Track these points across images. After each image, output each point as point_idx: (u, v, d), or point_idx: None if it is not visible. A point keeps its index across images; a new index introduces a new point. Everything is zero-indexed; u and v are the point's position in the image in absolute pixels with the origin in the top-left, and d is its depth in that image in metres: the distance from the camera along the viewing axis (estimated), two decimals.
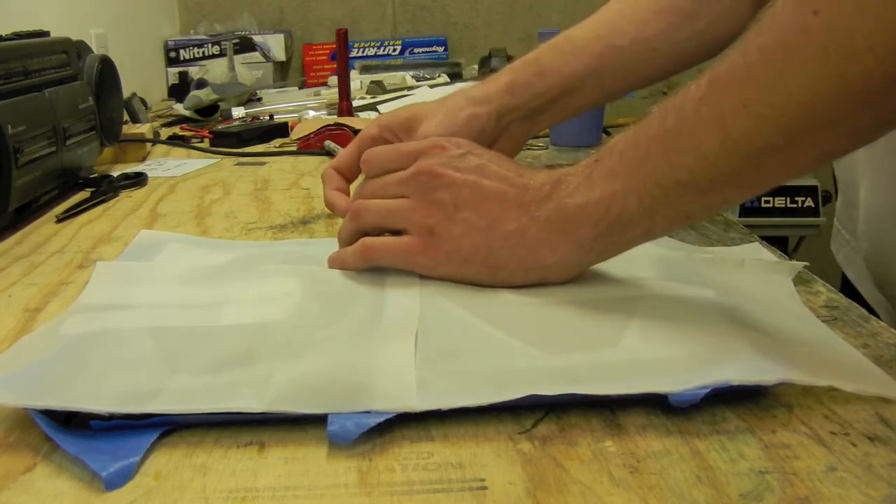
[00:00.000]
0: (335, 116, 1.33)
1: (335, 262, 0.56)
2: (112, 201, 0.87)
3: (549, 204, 0.48)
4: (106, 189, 0.89)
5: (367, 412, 0.38)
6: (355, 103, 1.42)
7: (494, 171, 0.51)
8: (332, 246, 0.65)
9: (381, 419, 0.37)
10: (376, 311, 0.48)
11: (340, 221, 0.74)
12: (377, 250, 0.53)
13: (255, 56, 2.04)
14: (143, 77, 1.84)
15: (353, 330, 0.46)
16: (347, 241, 0.56)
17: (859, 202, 0.72)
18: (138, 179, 0.94)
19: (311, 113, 1.44)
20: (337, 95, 1.36)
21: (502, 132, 0.65)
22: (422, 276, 0.53)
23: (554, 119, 0.67)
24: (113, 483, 0.34)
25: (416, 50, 2.23)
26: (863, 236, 0.73)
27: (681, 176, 0.43)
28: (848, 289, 0.77)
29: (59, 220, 0.79)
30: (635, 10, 0.67)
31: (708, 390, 0.38)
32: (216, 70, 1.69)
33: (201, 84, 1.52)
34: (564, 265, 0.49)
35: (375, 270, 0.55)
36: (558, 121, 0.68)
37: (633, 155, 0.45)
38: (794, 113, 0.38)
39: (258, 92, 1.72)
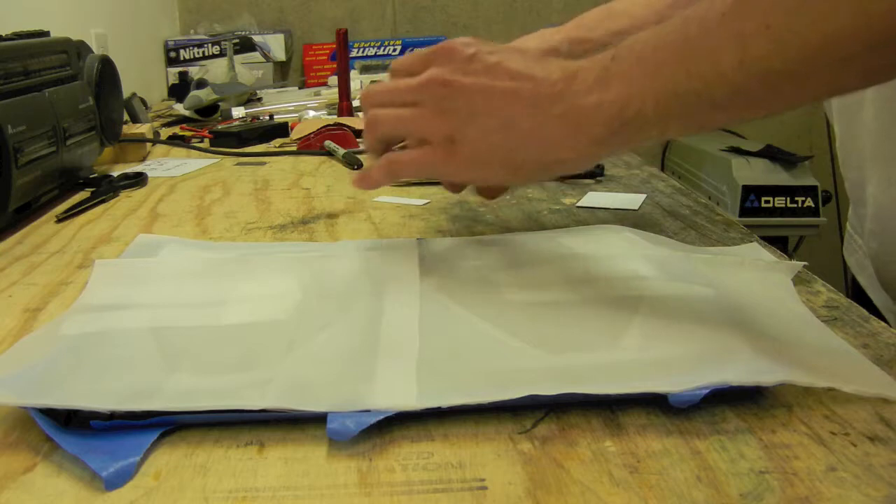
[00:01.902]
0: (335, 116, 1.33)
1: (362, 181, 0.57)
2: (112, 201, 0.87)
3: (563, 101, 0.48)
4: (106, 189, 0.89)
5: (367, 411, 0.38)
6: (355, 103, 1.42)
7: (505, 70, 0.51)
8: (332, 249, 0.65)
9: (381, 417, 0.37)
10: (377, 310, 0.48)
11: (341, 222, 0.75)
12: (401, 164, 0.55)
13: (255, 56, 2.04)
14: (143, 77, 1.84)
15: (354, 329, 0.46)
16: (371, 153, 0.58)
17: (867, 199, 0.72)
18: (138, 179, 0.94)
19: (311, 113, 1.44)
20: (337, 95, 1.36)
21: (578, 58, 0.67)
22: (422, 274, 0.53)
23: None
24: (113, 483, 0.34)
25: (416, 50, 2.23)
26: (870, 235, 0.73)
27: (697, 87, 0.43)
28: (859, 296, 0.77)
29: (59, 220, 0.79)
30: None
31: (708, 391, 0.38)
32: (216, 70, 1.69)
33: (201, 84, 1.52)
34: (579, 160, 0.50)
35: (375, 268, 0.55)
36: None
37: (652, 59, 0.45)
38: (815, 41, 0.39)
39: (258, 92, 1.72)
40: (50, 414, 0.38)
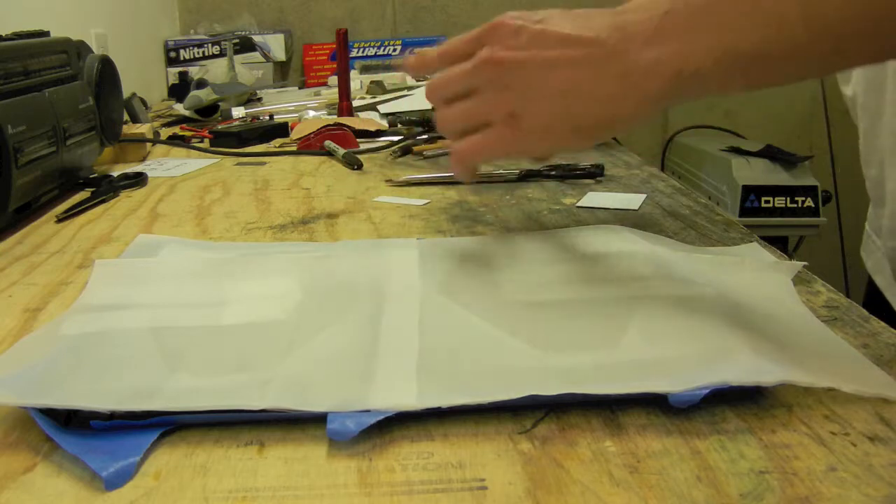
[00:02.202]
0: (335, 116, 1.33)
1: (461, 175, 0.58)
2: (112, 201, 0.87)
3: (618, 59, 0.48)
4: (106, 189, 0.89)
5: (367, 411, 0.38)
6: (355, 103, 1.42)
7: (554, 37, 0.51)
8: (332, 249, 0.65)
9: (381, 417, 0.37)
10: (376, 310, 0.48)
11: (341, 222, 0.75)
12: (470, 152, 0.55)
13: (255, 56, 2.04)
14: (143, 77, 1.84)
15: (354, 329, 0.46)
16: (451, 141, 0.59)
17: (886, 197, 0.71)
18: (138, 179, 0.94)
19: (311, 113, 1.44)
20: (337, 95, 1.36)
21: None
22: (422, 274, 0.53)
23: None
24: (113, 483, 0.34)
25: (416, 50, 2.23)
26: (889, 234, 0.72)
27: (759, 44, 0.42)
28: (876, 298, 0.77)
29: (59, 220, 0.79)
30: None
31: (708, 391, 0.38)
32: (216, 70, 1.69)
33: (201, 84, 1.52)
34: (638, 116, 0.50)
35: (375, 269, 0.55)
36: None
37: (710, 14, 0.45)
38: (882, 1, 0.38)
39: (258, 92, 1.72)
40: (50, 414, 0.38)
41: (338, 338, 0.45)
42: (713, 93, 0.47)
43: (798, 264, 0.56)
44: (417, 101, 1.46)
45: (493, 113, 0.53)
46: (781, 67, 0.43)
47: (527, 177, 0.88)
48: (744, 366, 0.39)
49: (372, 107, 1.45)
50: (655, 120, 2.60)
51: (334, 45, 1.32)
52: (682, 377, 0.39)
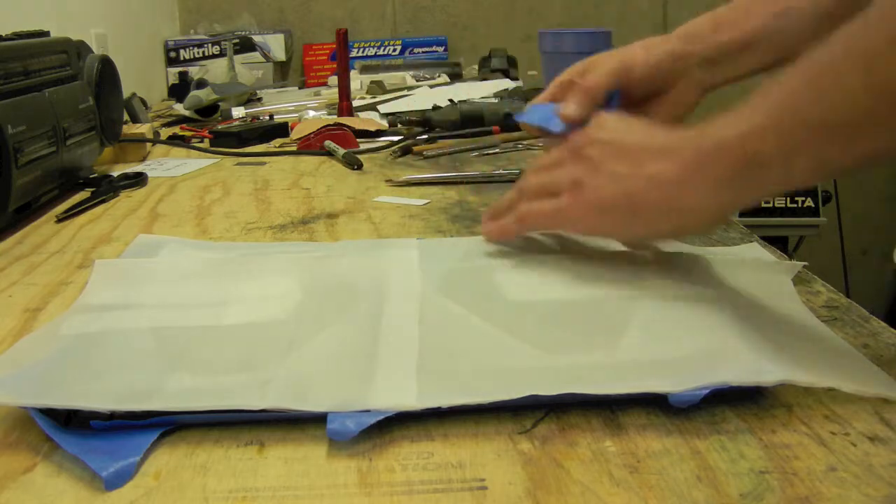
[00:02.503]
0: (335, 116, 1.33)
1: (495, 231, 0.58)
2: (112, 201, 0.87)
3: (690, 145, 0.47)
4: (106, 189, 0.89)
5: (367, 411, 0.38)
6: (355, 103, 1.42)
7: (641, 129, 0.52)
8: (332, 249, 0.65)
9: (381, 417, 0.37)
10: (376, 310, 0.48)
11: (341, 222, 0.75)
12: (532, 215, 0.55)
13: (255, 56, 2.04)
14: (143, 77, 1.84)
15: (354, 329, 0.46)
16: (504, 211, 0.59)
17: None
18: (138, 179, 0.94)
19: (311, 113, 1.44)
20: (337, 95, 1.36)
21: (681, 75, 0.66)
22: (422, 274, 0.53)
23: (735, 74, 0.67)
24: (113, 483, 0.34)
25: (416, 50, 2.23)
26: None
27: (824, 115, 0.41)
28: None
29: (59, 220, 0.79)
30: None
31: (707, 391, 0.38)
32: (216, 70, 1.69)
33: (201, 84, 1.52)
34: (700, 207, 0.47)
35: (375, 269, 0.55)
36: (740, 78, 0.67)
37: (777, 92, 0.43)
38: None
39: (258, 92, 1.72)
40: (50, 414, 0.38)
41: (337, 338, 0.45)
42: (779, 183, 0.44)
43: (798, 264, 0.56)
44: (417, 101, 1.46)
45: (564, 179, 0.53)
46: (849, 141, 0.41)
47: None
48: (744, 366, 0.39)
49: (372, 107, 1.45)
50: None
51: (334, 45, 1.32)
52: (682, 377, 0.39)
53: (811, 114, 0.41)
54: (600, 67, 0.65)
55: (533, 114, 0.69)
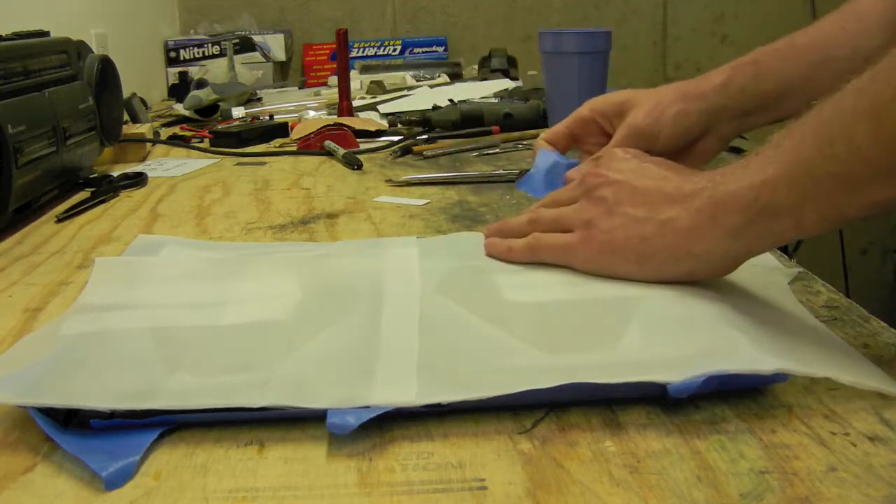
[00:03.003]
0: (335, 116, 1.33)
1: (502, 249, 0.57)
2: (112, 201, 0.87)
3: (703, 193, 0.48)
4: (106, 189, 0.89)
5: (367, 407, 0.38)
6: (355, 103, 1.42)
7: (655, 172, 0.52)
8: (332, 248, 0.65)
9: (381, 412, 0.37)
10: (376, 310, 0.48)
11: (341, 222, 0.75)
12: (542, 246, 0.55)
13: (255, 56, 2.03)
14: (143, 77, 1.84)
15: (354, 328, 0.46)
16: (517, 233, 0.58)
17: None
18: (138, 179, 0.94)
19: (311, 113, 1.44)
20: (337, 95, 1.36)
21: (710, 130, 0.66)
22: (421, 273, 0.53)
23: (763, 121, 0.67)
24: (113, 483, 0.34)
25: (416, 50, 2.23)
26: None
27: (832, 167, 0.41)
28: None
29: (59, 220, 0.79)
30: (857, 23, 0.66)
31: (705, 378, 0.38)
32: (216, 70, 1.69)
33: (201, 84, 1.52)
34: (712, 255, 0.48)
35: (375, 268, 0.55)
36: (766, 123, 0.67)
37: (788, 144, 0.44)
38: None
39: (258, 92, 1.72)
40: (50, 413, 0.38)
41: (338, 337, 0.45)
42: (790, 232, 0.45)
43: (794, 270, 0.56)
44: (417, 101, 1.46)
45: (577, 218, 0.54)
46: (857, 191, 0.41)
47: None
48: (742, 355, 0.39)
49: (372, 107, 1.45)
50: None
51: (334, 45, 1.32)
52: (680, 367, 0.39)
53: (820, 166, 0.42)
54: (625, 129, 0.65)
55: (537, 180, 0.71)
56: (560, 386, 0.38)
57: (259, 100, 1.66)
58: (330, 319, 0.47)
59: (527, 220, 0.58)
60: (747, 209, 0.45)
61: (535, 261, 0.55)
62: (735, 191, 0.46)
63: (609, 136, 0.69)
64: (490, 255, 0.58)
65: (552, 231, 0.55)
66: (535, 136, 1.13)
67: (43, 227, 0.77)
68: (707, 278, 0.49)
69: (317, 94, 1.72)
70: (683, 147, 0.66)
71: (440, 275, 0.54)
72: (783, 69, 0.65)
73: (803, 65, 0.65)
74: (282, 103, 1.57)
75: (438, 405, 0.38)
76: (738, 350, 0.40)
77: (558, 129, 0.71)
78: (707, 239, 0.47)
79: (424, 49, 2.23)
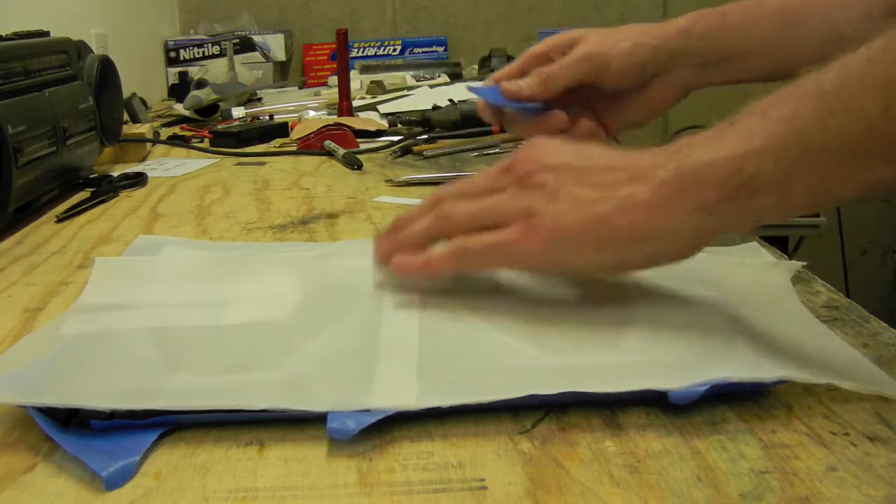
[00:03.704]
0: (335, 116, 1.33)
1: (415, 265, 0.48)
2: (112, 201, 0.87)
3: (667, 165, 0.42)
4: (106, 189, 0.89)
5: (367, 410, 0.38)
6: (355, 103, 1.42)
7: (598, 152, 0.46)
8: (332, 248, 0.65)
9: (381, 416, 0.37)
10: (376, 310, 0.48)
11: (341, 222, 0.74)
12: (471, 250, 0.46)
13: (255, 56, 2.03)
14: (143, 77, 1.84)
15: (353, 329, 0.46)
16: (420, 242, 0.49)
17: None
18: (138, 179, 0.94)
19: (311, 113, 1.44)
20: (337, 95, 1.36)
21: (665, 72, 0.62)
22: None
23: (721, 78, 0.63)
24: (113, 483, 0.34)
25: (416, 50, 2.23)
26: None
27: (832, 140, 0.38)
28: None
29: (59, 220, 0.79)
30: None
31: (707, 387, 0.38)
32: (216, 70, 1.69)
33: (201, 84, 1.52)
34: (679, 234, 0.43)
35: (369, 273, 0.55)
36: (724, 82, 0.63)
37: (777, 114, 0.40)
38: None
39: (258, 92, 1.72)
40: (50, 413, 0.38)
41: (338, 338, 0.45)
42: (772, 211, 0.41)
43: (797, 264, 0.56)
44: (417, 101, 1.46)
45: (510, 209, 0.45)
46: (857, 167, 0.38)
47: None
48: (743, 363, 0.39)
49: (372, 107, 1.45)
50: (656, 123, 2.60)
51: (334, 45, 1.32)
52: (681, 375, 0.39)
53: (816, 138, 0.38)
54: (574, 53, 0.61)
55: (486, 91, 0.67)
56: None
57: (259, 100, 1.66)
58: (330, 320, 0.47)
59: (431, 218, 0.48)
60: (725, 182, 0.40)
61: (462, 270, 0.47)
62: (710, 161, 0.41)
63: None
64: (400, 275, 0.48)
65: (472, 230, 0.46)
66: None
67: (43, 227, 0.77)
68: (670, 262, 0.44)
69: (317, 94, 1.72)
70: (636, 86, 0.62)
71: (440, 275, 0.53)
72: (749, 27, 0.62)
73: (770, 27, 0.62)
74: (282, 103, 1.57)
75: (438, 407, 0.38)
76: (740, 356, 0.40)
77: (512, 67, 0.66)
78: (674, 215, 0.42)
79: (424, 49, 2.23)
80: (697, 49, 0.62)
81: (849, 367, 0.41)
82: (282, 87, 1.98)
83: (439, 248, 0.47)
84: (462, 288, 0.51)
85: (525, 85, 0.59)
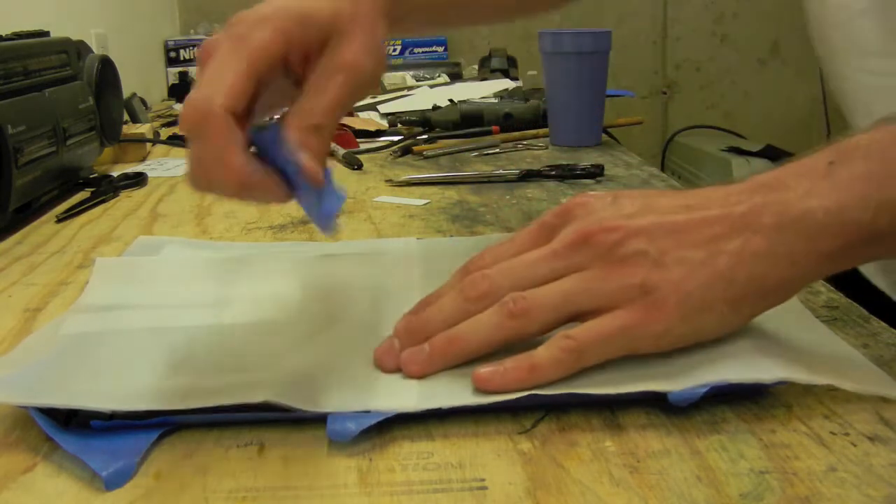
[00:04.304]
0: None
1: (519, 375, 0.39)
2: (112, 201, 0.87)
3: (769, 210, 0.39)
4: (106, 189, 0.89)
5: (367, 412, 0.38)
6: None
7: (667, 203, 0.41)
8: (332, 248, 0.65)
9: (381, 418, 0.37)
10: (376, 311, 0.48)
11: (341, 223, 0.74)
12: (590, 342, 0.39)
13: None
14: (143, 77, 1.84)
15: (354, 329, 0.46)
16: (485, 342, 0.40)
17: None
18: (138, 179, 0.94)
19: None
20: None
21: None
22: (422, 275, 0.53)
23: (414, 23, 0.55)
24: (113, 483, 0.34)
25: (416, 50, 2.23)
26: None
27: None
28: (858, 284, 0.76)
29: (59, 220, 0.79)
30: None
31: (707, 389, 0.38)
32: None
33: None
34: (803, 281, 0.40)
35: (375, 269, 0.55)
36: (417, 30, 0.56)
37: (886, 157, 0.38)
38: None
39: None
40: (50, 414, 0.38)
41: (338, 339, 0.45)
42: (883, 255, 0.40)
43: None
44: (417, 101, 1.46)
45: (615, 289, 0.39)
46: None
47: (527, 177, 0.89)
48: (743, 364, 0.39)
49: (372, 107, 1.45)
50: (656, 123, 2.61)
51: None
52: (681, 376, 0.39)
53: None
54: (340, 74, 0.42)
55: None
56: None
57: None
58: (330, 321, 0.47)
59: (498, 320, 0.40)
60: (856, 231, 0.38)
61: (580, 368, 0.39)
62: (836, 209, 0.38)
63: (297, 82, 0.44)
64: (490, 390, 0.39)
65: (554, 321, 0.40)
66: (535, 136, 1.14)
67: (43, 227, 0.77)
68: (778, 304, 0.41)
69: None
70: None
71: (441, 276, 0.53)
72: None
73: None
74: None
75: (439, 408, 0.38)
76: (740, 357, 0.40)
77: (236, 85, 0.40)
78: (801, 263, 0.39)
79: (424, 49, 2.23)
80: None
81: (849, 368, 0.41)
82: None
83: (544, 351, 0.39)
84: None
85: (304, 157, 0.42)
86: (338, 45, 0.43)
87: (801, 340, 0.44)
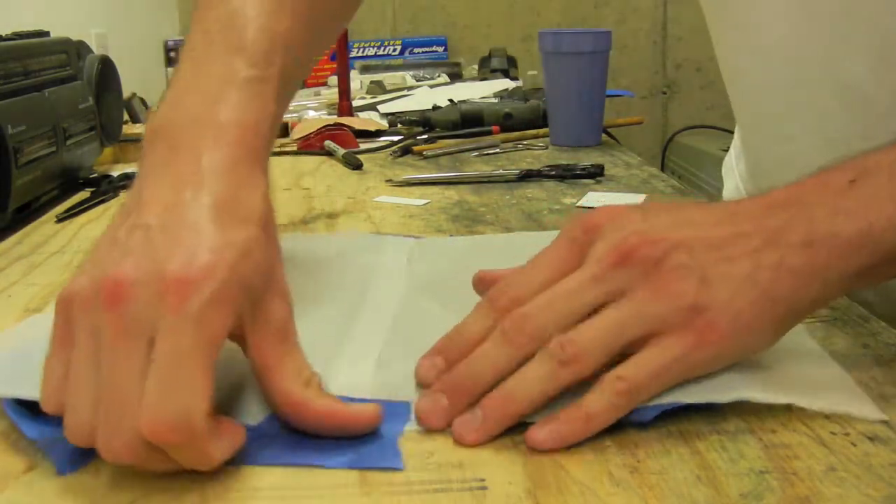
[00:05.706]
0: (335, 116, 1.33)
1: (574, 427, 0.36)
2: (112, 201, 0.87)
3: (799, 227, 0.38)
4: (106, 189, 0.89)
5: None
6: (355, 103, 1.42)
7: (698, 217, 0.40)
8: (330, 243, 0.65)
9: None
10: (355, 308, 0.49)
11: (341, 223, 0.74)
12: (644, 377, 0.37)
13: None
14: (143, 77, 1.84)
15: (326, 322, 0.46)
16: (543, 401, 0.37)
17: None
18: None
19: (311, 113, 1.44)
20: (337, 95, 1.36)
21: None
22: (411, 272, 0.53)
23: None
24: (65, 467, 0.35)
25: (416, 50, 2.23)
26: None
27: None
28: None
29: (59, 220, 0.79)
30: None
31: (658, 412, 0.37)
32: None
33: None
34: (828, 298, 0.40)
35: (366, 265, 0.55)
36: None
37: None
38: None
39: None
40: (25, 405, 0.38)
41: (310, 328, 0.45)
42: None
43: None
44: (417, 101, 1.46)
45: (658, 312, 0.37)
46: None
47: (527, 177, 0.89)
48: (698, 385, 0.38)
49: (372, 107, 1.45)
50: (656, 123, 2.61)
51: (334, 45, 1.33)
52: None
53: None
54: (276, 335, 0.39)
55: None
56: None
57: None
58: (302, 312, 0.47)
59: (548, 369, 0.37)
60: (885, 250, 0.38)
61: (636, 406, 0.37)
62: (864, 229, 0.37)
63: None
64: (547, 449, 0.36)
65: (607, 360, 0.37)
66: (535, 136, 1.14)
67: (43, 227, 0.77)
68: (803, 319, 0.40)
69: (317, 94, 1.72)
70: None
71: (429, 274, 0.53)
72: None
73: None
74: None
75: (389, 400, 0.39)
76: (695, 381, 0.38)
77: (207, 387, 0.34)
78: (833, 280, 0.38)
79: (424, 49, 2.23)
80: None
81: (818, 384, 0.39)
82: None
83: (597, 399, 0.36)
84: (450, 287, 0.51)
85: None
86: (269, 304, 0.39)
87: (775, 355, 0.42)
